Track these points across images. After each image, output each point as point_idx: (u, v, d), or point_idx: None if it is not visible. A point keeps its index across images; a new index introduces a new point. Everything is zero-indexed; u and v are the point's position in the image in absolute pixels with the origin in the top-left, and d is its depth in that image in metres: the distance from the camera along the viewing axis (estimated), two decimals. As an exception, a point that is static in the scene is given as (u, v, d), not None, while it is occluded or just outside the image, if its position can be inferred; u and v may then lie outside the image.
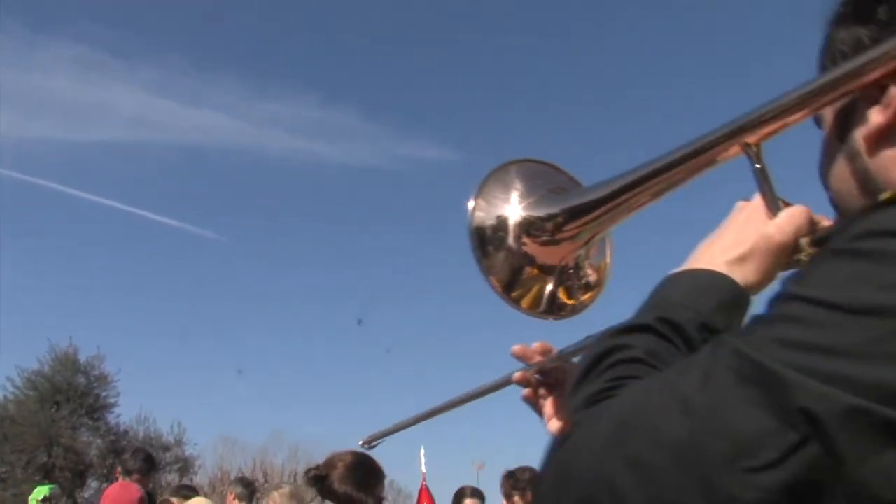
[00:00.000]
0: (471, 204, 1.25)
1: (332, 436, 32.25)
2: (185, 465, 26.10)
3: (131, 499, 5.63)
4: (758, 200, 0.98)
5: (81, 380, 24.85)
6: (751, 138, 0.97)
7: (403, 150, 45.86)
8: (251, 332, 43.36)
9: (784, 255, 0.95)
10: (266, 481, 22.82)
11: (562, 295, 1.29)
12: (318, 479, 4.01)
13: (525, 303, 1.27)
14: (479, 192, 1.26)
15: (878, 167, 0.87)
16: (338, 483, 3.93)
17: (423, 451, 5.95)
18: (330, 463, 4.06)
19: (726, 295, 0.94)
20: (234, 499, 7.26)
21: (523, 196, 1.26)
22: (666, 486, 0.70)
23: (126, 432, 24.00)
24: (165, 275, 42.23)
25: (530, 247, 1.25)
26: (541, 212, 1.25)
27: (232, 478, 19.55)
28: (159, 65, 43.03)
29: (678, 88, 43.71)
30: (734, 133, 0.97)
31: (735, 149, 0.99)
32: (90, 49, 40.13)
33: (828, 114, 0.95)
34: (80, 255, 40.49)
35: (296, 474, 24.61)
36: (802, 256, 0.94)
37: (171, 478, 23.31)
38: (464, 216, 1.26)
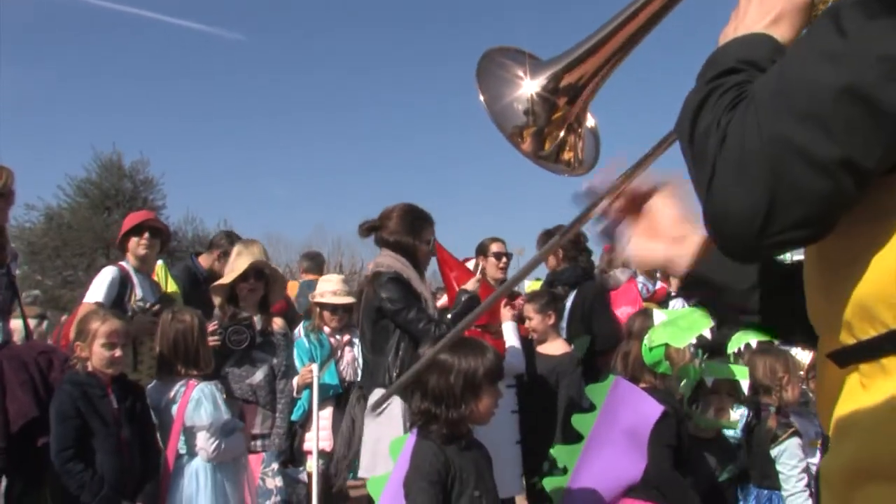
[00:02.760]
0: (481, 99, 1.26)
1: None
2: (235, 262, 27.17)
3: None
4: None
5: (128, 184, 25.59)
6: None
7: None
8: (284, 132, 43.52)
9: (809, 10, 1.06)
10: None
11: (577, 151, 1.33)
12: (373, 229, 4.45)
13: (563, 161, 1.31)
14: (481, 85, 1.27)
15: None
16: (389, 232, 4.36)
17: None
18: (384, 214, 4.46)
19: (775, 45, 1.03)
20: (303, 272, 7.74)
21: (522, 71, 1.28)
22: (840, 123, 0.80)
23: (175, 233, 24.82)
24: (195, 79, 41.83)
25: (551, 108, 1.27)
26: (552, 73, 1.26)
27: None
28: None
29: None
30: None
31: None
32: None
33: None
34: (110, 65, 40.11)
35: (340, 265, 25.75)
36: (820, 6, 1.05)
37: (224, 274, 24.26)
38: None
